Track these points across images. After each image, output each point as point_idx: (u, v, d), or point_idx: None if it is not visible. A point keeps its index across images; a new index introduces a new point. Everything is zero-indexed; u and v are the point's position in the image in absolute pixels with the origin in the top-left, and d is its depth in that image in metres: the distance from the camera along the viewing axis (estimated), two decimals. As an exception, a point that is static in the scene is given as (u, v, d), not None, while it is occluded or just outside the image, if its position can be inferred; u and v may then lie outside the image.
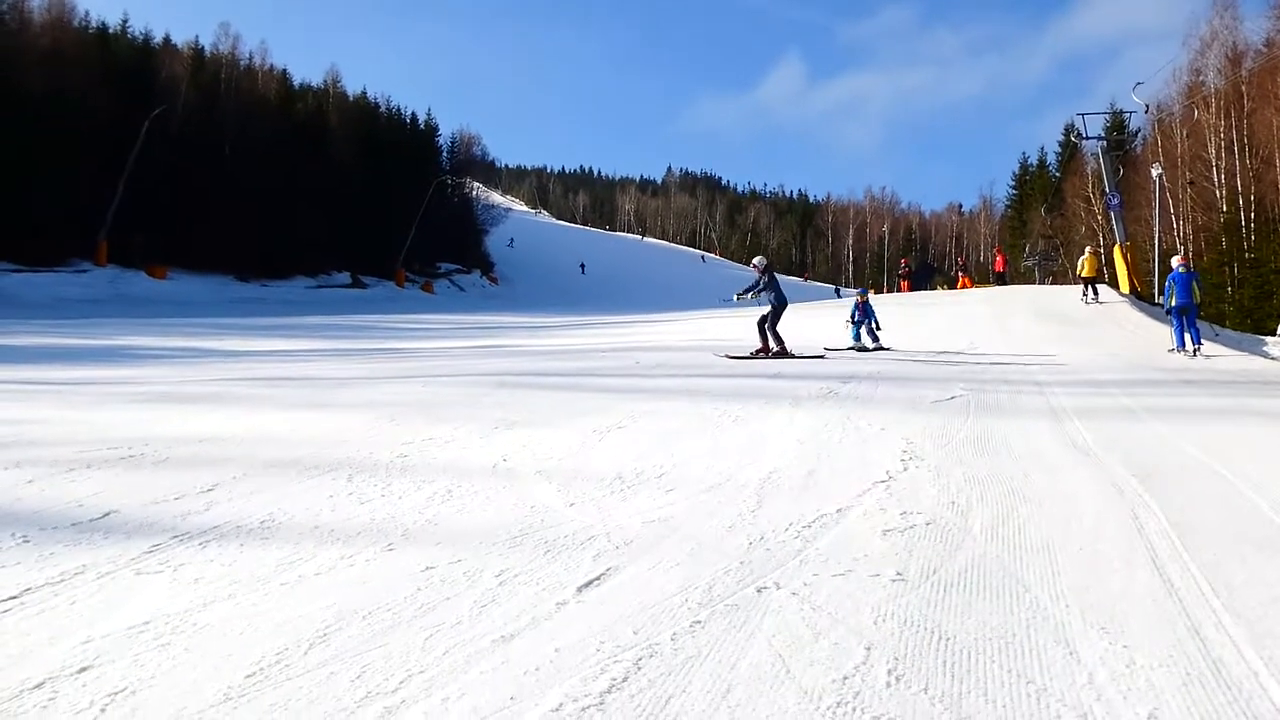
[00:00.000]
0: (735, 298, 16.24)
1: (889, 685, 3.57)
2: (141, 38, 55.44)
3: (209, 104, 52.38)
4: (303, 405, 10.39)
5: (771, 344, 15.54)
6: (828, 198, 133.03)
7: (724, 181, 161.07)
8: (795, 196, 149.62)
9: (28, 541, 5.14)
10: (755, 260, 15.97)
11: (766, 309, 15.67)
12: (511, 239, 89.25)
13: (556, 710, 3.39)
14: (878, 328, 19.08)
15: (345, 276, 56.37)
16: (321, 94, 67.67)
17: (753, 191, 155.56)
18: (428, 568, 4.91)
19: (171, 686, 3.53)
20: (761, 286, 15.49)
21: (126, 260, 42.69)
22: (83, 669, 3.65)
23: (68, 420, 8.98)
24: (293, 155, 53.35)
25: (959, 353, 17.08)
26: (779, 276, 16.60)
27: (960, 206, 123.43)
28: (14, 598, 4.31)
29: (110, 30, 53.90)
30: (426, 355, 18.13)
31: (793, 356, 15.24)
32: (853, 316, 19.31)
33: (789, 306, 16.16)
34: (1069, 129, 68.94)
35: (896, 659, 3.79)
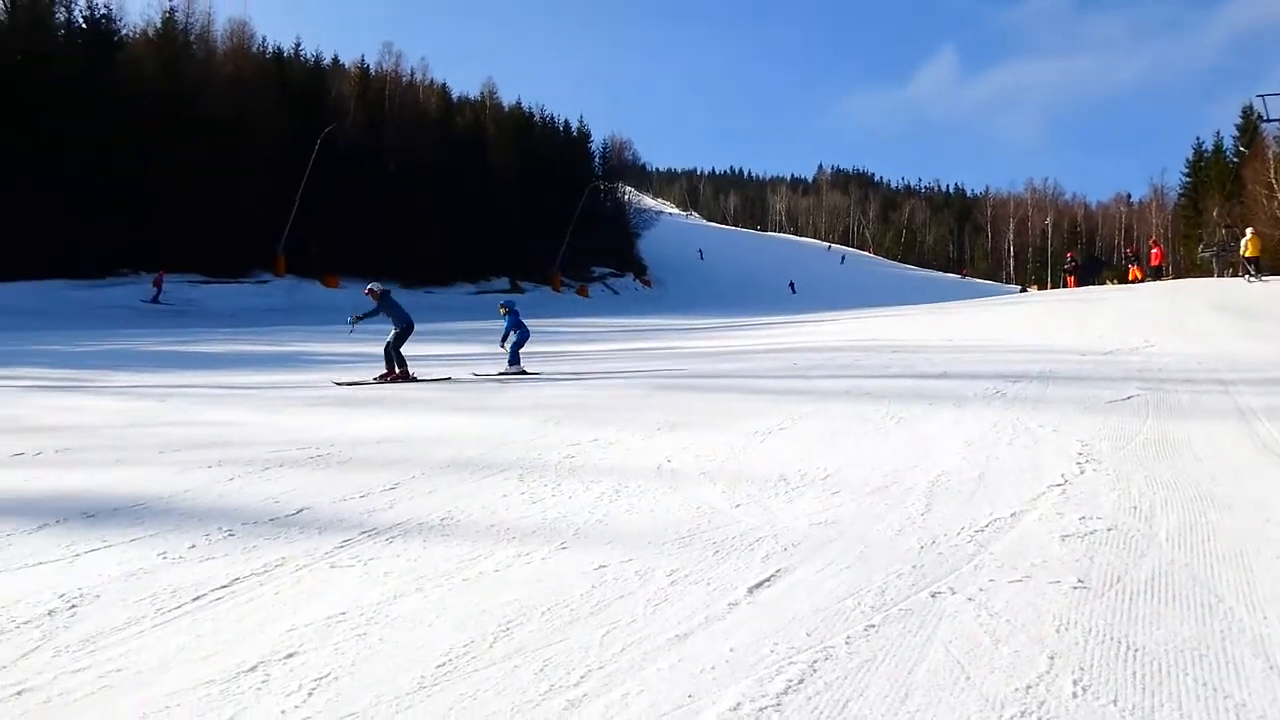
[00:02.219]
0: (350, 321, 14.72)
1: (1075, 696, 3.48)
2: (312, 60, 58.18)
3: (374, 120, 54.64)
4: (470, 408, 10.74)
5: (395, 367, 13.79)
6: (986, 191, 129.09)
7: (877, 178, 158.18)
8: (951, 191, 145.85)
9: (232, 535, 5.51)
10: (370, 286, 14.69)
11: (391, 332, 13.95)
12: (700, 249, 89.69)
13: (734, 710, 3.44)
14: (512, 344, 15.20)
15: (504, 282, 57.87)
16: (479, 106, 69.64)
17: (907, 187, 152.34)
18: (600, 566, 5.03)
19: (370, 673, 3.74)
20: (376, 310, 14.21)
21: (302, 271, 44.97)
22: (290, 655, 3.89)
23: (258, 423, 9.54)
24: (453, 166, 55.12)
25: (1133, 350, 16.35)
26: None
27: (1129, 196, 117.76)
28: (225, 587, 4.63)
29: (285, 54, 56.77)
30: (584, 358, 18.46)
31: (415, 380, 13.61)
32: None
33: (415, 327, 14.37)
34: (1247, 111, 64.85)
35: (1082, 669, 3.69)
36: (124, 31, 45.27)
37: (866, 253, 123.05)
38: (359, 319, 14.42)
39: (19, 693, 3.54)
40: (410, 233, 48.03)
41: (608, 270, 71.58)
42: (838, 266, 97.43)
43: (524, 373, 14.57)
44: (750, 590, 4.67)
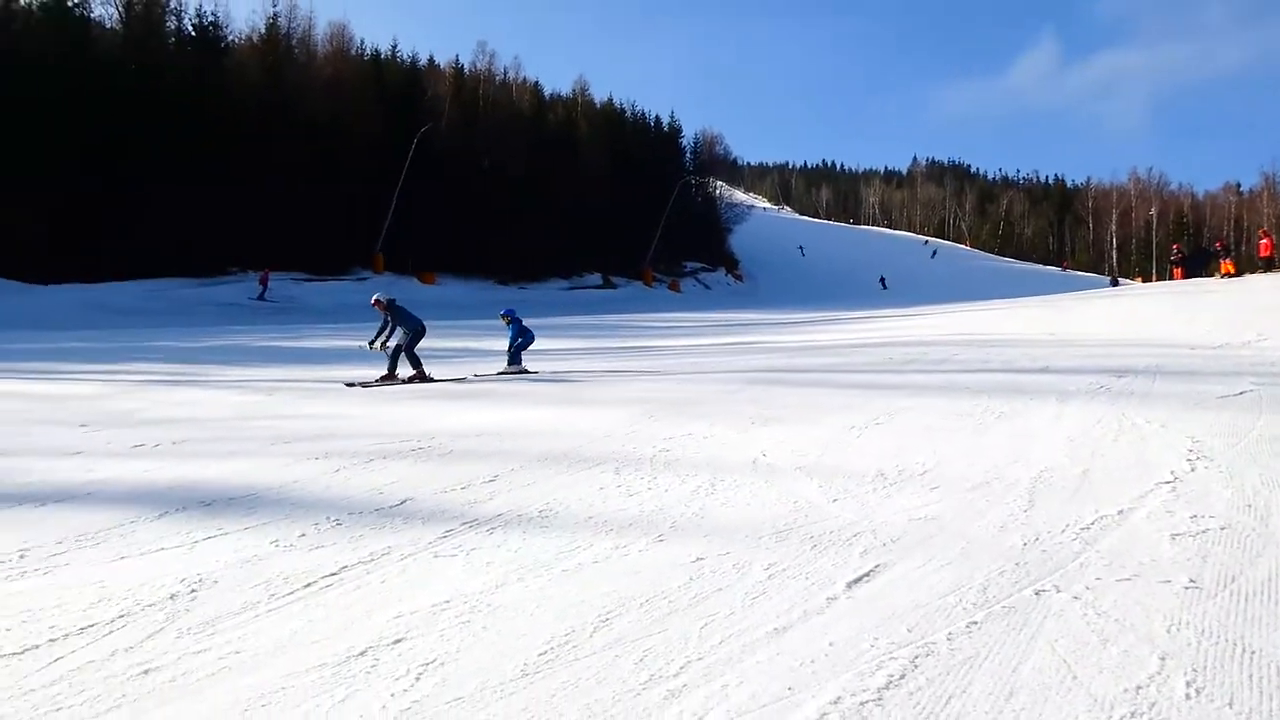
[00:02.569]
0: (369, 346, 13.71)
1: (1188, 698, 3.39)
2: (409, 61, 59.25)
3: (469, 119, 55.42)
4: (566, 401, 10.86)
5: (402, 372, 13.33)
6: (1087, 182, 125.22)
7: (973, 169, 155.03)
8: (1050, 182, 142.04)
9: (340, 524, 5.68)
10: (376, 297, 13.85)
11: (402, 340, 13.40)
12: (801, 246, 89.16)
13: (835, 703, 3.44)
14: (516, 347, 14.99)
15: (596, 277, 58.26)
16: (571, 103, 70.16)
17: (1004, 178, 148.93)
18: (698, 559, 5.06)
19: (475, 660, 3.83)
20: (389, 324, 13.52)
21: (400, 268, 45.91)
22: (398, 640, 4.01)
23: (361, 416, 9.79)
24: (545, 163, 55.66)
25: (1245, 344, 15.77)
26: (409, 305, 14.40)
27: (1238, 185, 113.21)
28: (334, 574, 4.78)
29: (382, 56, 57.92)
30: (677, 353, 18.51)
31: (433, 381, 13.18)
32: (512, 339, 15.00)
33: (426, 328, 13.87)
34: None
35: (1195, 670, 3.59)
36: (230, 38, 46.75)
37: (963, 245, 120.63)
38: (374, 343, 13.63)
39: (145, 671, 3.71)
40: (503, 229, 48.65)
41: (699, 265, 71.50)
42: (931, 260, 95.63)
43: (525, 371, 14.36)
44: (849, 585, 4.65)
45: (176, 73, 40.15)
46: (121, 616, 4.22)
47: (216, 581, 4.68)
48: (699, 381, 12.82)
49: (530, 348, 14.99)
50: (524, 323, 14.86)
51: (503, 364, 14.58)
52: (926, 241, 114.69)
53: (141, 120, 36.39)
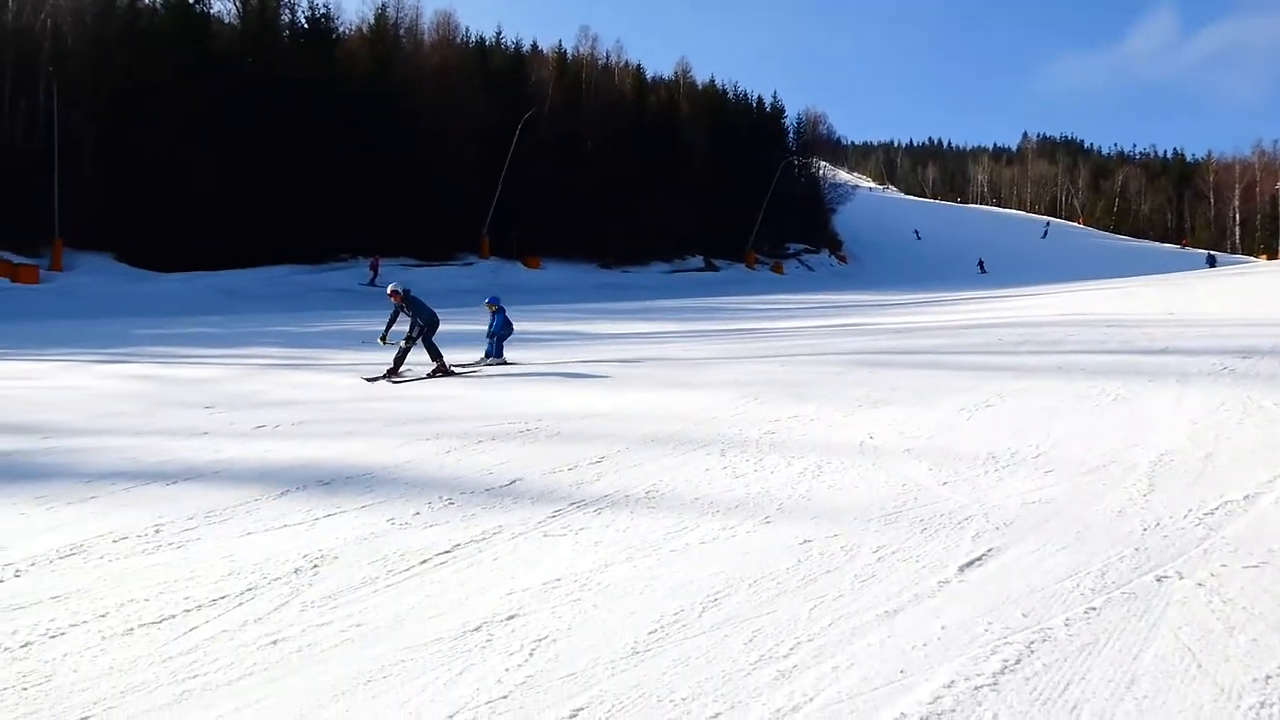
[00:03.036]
0: (381, 341, 12.42)
1: (1321, 687, 3.27)
2: (513, 47, 59.83)
3: (572, 103, 55.74)
4: (670, 384, 10.89)
5: (433, 360, 12.28)
6: (1208, 156, 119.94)
7: (1086, 144, 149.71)
8: (1169, 156, 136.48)
9: (452, 504, 5.82)
10: (392, 287, 12.73)
11: (415, 332, 12.18)
12: (917, 230, 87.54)
13: (949, 687, 3.40)
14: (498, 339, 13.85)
15: (699, 260, 58.11)
16: (673, 85, 69.95)
17: (1119, 153, 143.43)
18: (805, 541, 5.05)
19: (586, 637, 3.89)
20: (401, 314, 12.45)
21: (505, 253, 46.54)
22: (511, 617, 4.10)
23: (471, 398, 9.98)
24: (647, 146, 55.70)
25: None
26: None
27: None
28: (447, 552, 4.91)
29: (486, 43, 58.63)
30: (781, 335, 18.38)
31: (452, 373, 12.23)
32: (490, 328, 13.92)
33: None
34: None
35: (1329, 659, 3.46)
36: (340, 29, 47.84)
37: (1075, 224, 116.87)
38: (386, 336, 12.43)
39: (274, 642, 3.86)
40: (606, 213, 48.85)
41: (802, 246, 70.76)
42: (1042, 240, 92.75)
43: (504, 363, 13.27)
44: (961, 569, 4.59)
45: (291, 65, 41.27)
46: (250, 589, 4.41)
47: (337, 557, 4.84)
48: (803, 364, 12.73)
49: (627, 330, 15.03)
50: (507, 313, 14.00)
51: (490, 357, 13.48)
52: (1049, 223, 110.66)
53: (258, 113, 37.54)
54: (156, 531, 5.22)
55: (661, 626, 3.98)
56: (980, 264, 67.16)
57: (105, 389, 10.85)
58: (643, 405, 9.35)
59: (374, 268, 38.75)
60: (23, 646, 3.79)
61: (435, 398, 9.99)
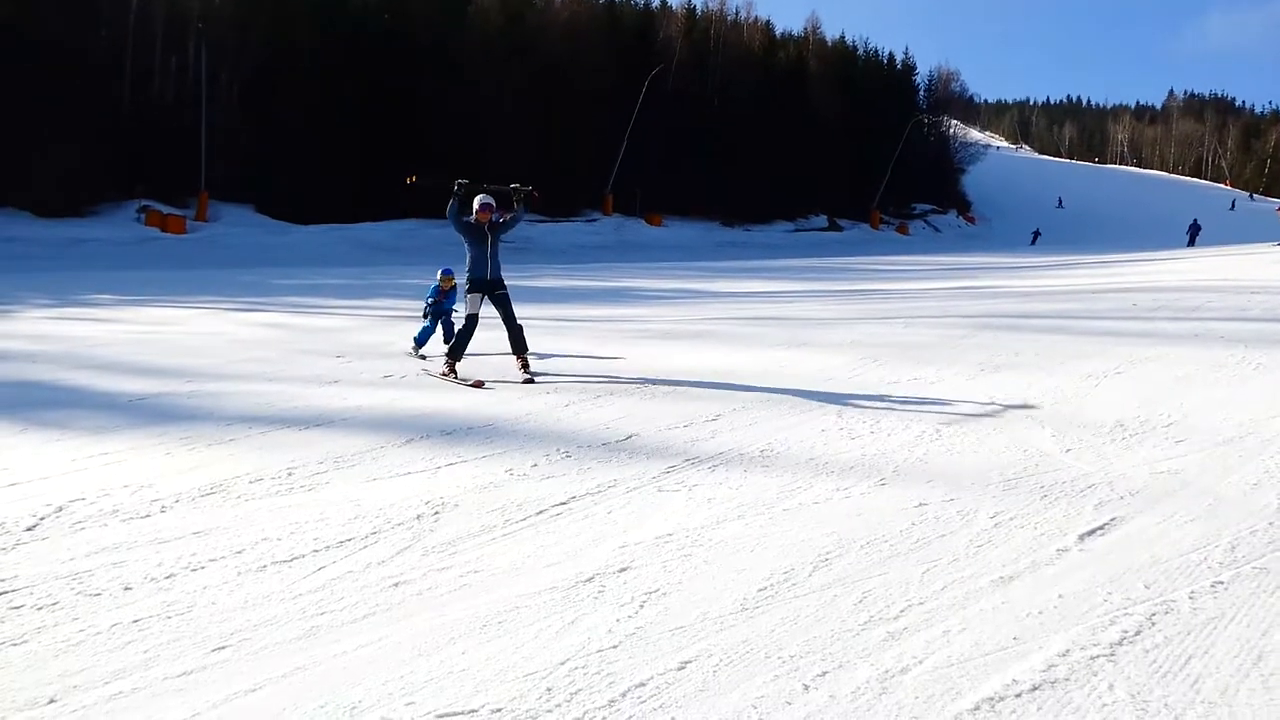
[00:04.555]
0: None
1: None
2: (642, 3, 59.57)
3: (699, 60, 55.31)
4: (788, 344, 10.82)
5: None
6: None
7: (1238, 102, 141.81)
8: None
9: (569, 456, 5.93)
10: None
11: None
12: (1060, 199, 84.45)
13: (1063, 655, 3.35)
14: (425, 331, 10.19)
15: (822, 219, 57.30)
16: (801, 42, 68.67)
17: (1273, 112, 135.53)
18: (920, 504, 5.00)
19: (695, 592, 3.94)
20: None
21: (629, 209, 46.72)
22: (623, 569, 4.18)
23: (590, 354, 10.08)
24: (773, 104, 54.97)
25: None
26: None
27: None
28: (563, 504, 5.01)
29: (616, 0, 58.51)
30: (903, 297, 18.05)
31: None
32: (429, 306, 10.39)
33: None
34: None
35: None
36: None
37: (1222, 185, 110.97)
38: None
39: (395, 585, 4.02)
40: (730, 171, 48.51)
41: (929, 207, 69.08)
42: (1172, 201, 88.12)
43: (422, 357, 9.69)
44: (1081, 537, 4.49)
45: (425, 21, 41.91)
46: (374, 533, 4.59)
47: (457, 505, 5.00)
48: (925, 326, 12.49)
49: (747, 289, 14.92)
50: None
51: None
52: (1253, 197, 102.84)
53: (393, 69, 38.32)
54: (289, 474, 5.46)
55: (771, 584, 4.00)
56: (1035, 234, 62.64)
57: (243, 336, 11.34)
58: (760, 364, 9.32)
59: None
60: (167, 578, 4.03)
61: (557, 353, 10.11)
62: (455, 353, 8.61)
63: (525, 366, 8.61)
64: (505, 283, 8.76)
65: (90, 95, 29.78)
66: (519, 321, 8.72)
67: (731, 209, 50.20)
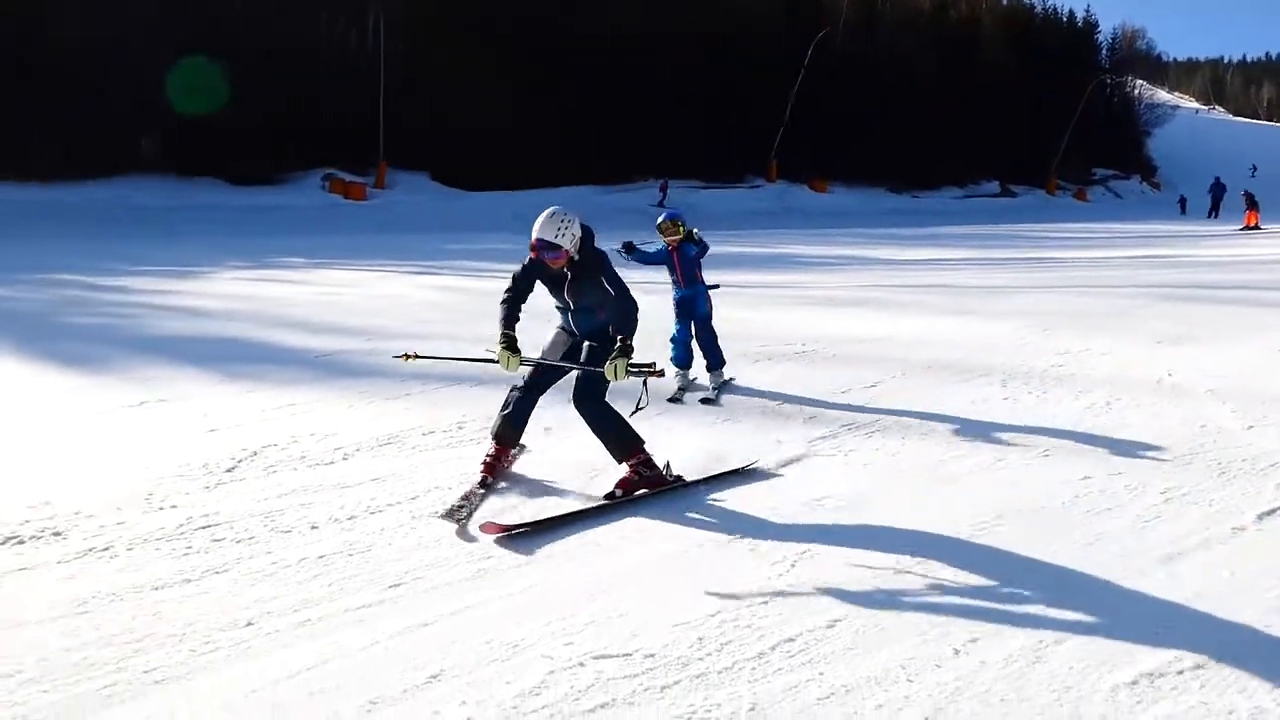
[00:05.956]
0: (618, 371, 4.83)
1: None
2: (806, -37, 58.52)
3: (867, 22, 53.95)
4: (952, 311, 10.60)
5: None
6: None
7: None
8: None
9: (726, 420, 6.03)
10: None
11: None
12: (1254, 166, 79.33)
13: (1231, 635, 3.27)
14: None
15: (994, 185, 55.24)
16: (974, 0, 66.25)
17: None
18: (1085, 477, 4.88)
19: (848, 555, 3.97)
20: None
21: (793, 176, 46.15)
22: (776, 529, 4.25)
23: (749, 319, 10.10)
24: (943, 65, 53.22)
25: None
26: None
27: None
28: (719, 461, 5.11)
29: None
30: (1078, 265, 17.33)
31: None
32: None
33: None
34: None
35: None
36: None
37: None
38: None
39: (558, 534, 4.21)
40: (898, 136, 47.33)
41: (1110, 172, 65.71)
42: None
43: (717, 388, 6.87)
44: (1260, 517, 4.33)
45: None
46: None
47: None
48: (1101, 295, 12.01)
49: (913, 256, 14.56)
50: None
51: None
52: None
53: (558, 38, 38.88)
54: (459, 428, 5.73)
55: (924, 550, 4.00)
56: (1253, 168, 57.83)
57: (417, 298, 11.83)
58: (922, 331, 9.18)
59: (663, 189, 39.58)
60: (349, 519, 4.32)
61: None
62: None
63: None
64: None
65: (280, 69, 31.28)
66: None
67: (899, 175, 48.99)
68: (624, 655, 3.15)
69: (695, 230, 7.18)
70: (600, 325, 4.80)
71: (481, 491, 4.63)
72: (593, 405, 4.75)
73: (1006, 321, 9.74)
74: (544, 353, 5.00)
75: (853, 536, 4.17)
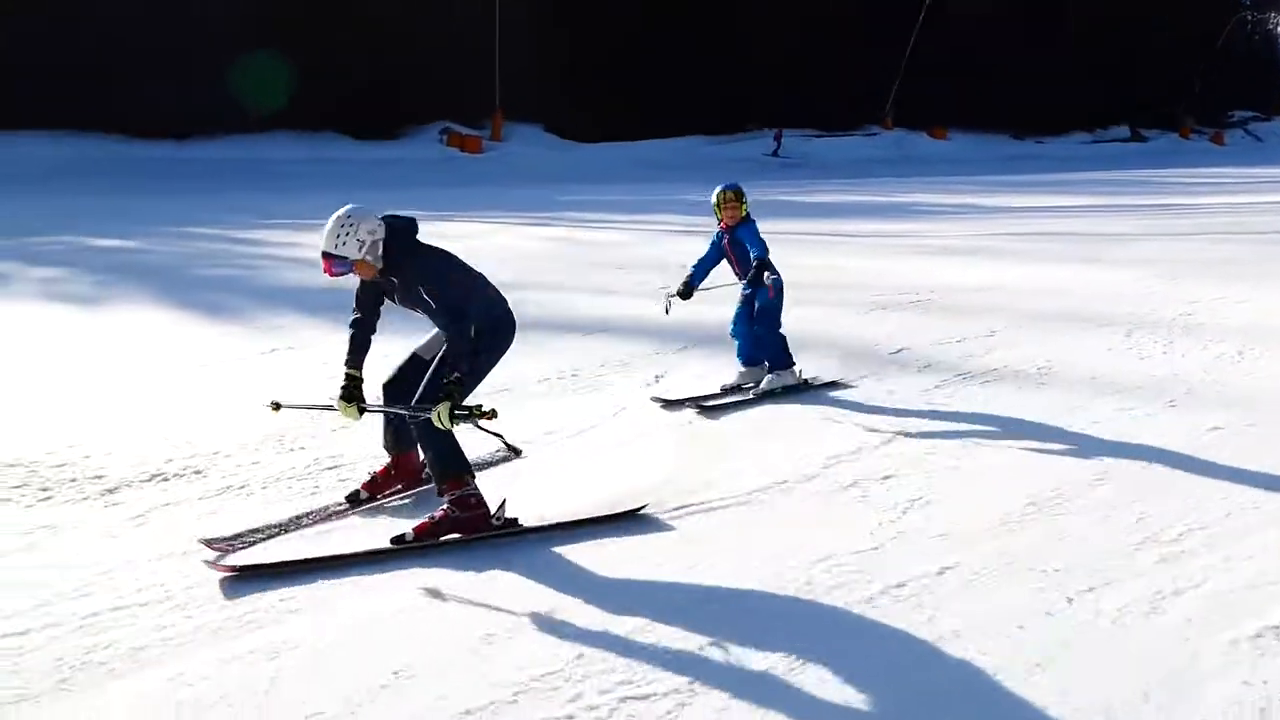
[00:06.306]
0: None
1: None
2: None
3: (990, -42, 52.10)
4: (1074, 259, 10.29)
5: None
6: None
7: None
8: None
9: (842, 364, 6.00)
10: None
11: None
12: None
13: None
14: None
15: (1123, 130, 52.97)
16: (1107, -68, 63.19)
17: None
18: (1214, 428, 4.75)
19: (958, 503, 3.95)
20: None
21: (910, 123, 45.01)
22: (886, 476, 4.24)
23: (863, 269, 9.99)
24: (1070, 4, 51.02)
25: None
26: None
27: None
28: (833, 405, 5.11)
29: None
30: (1212, 211, 16.54)
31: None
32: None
33: None
34: None
35: None
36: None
37: None
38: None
39: (667, 477, 4.28)
40: (1021, 79, 45.66)
41: (1250, 114, 62.28)
42: None
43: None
44: (1400, 471, 4.13)
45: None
46: (642, 436, 4.89)
47: (714, 416, 5.23)
48: (1237, 242, 11.50)
49: (1034, 204, 14.05)
50: None
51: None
52: None
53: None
54: (574, 376, 5.84)
55: (1038, 500, 3.95)
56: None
57: (530, 249, 11.99)
58: (1042, 280, 8.94)
59: (778, 139, 39.10)
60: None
61: (825, 267, 10.03)
62: None
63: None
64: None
65: (398, 24, 31.79)
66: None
67: (1022, 120, 47.33)
68: (739, 591, 3.21)
69: (770, 276, 5.44)
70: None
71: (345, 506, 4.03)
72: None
73: (1131, 269, 9.42)
74: (418, 350, 4.29)
75: (964, 485, 4.13)
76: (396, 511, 4.03)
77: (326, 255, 3.84)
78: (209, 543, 3.60)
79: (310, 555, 3.54)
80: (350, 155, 29.52)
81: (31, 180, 19.14)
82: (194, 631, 3.02)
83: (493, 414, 3.68)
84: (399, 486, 4.16)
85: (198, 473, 4.36)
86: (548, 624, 3.05)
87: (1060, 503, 3.92)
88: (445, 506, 3.75)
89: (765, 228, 5.77)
